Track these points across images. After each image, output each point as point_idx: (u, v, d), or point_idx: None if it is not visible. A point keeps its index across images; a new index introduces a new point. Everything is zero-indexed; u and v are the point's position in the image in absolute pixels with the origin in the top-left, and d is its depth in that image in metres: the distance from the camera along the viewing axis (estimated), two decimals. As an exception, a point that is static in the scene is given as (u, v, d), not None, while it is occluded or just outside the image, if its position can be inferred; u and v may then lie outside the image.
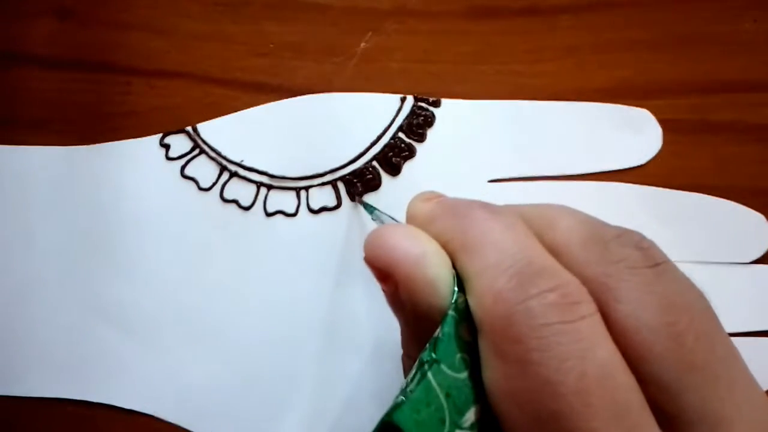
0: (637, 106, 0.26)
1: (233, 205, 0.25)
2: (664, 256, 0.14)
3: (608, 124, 0.26)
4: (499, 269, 0.13)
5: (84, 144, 0.26)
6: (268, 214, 0.25)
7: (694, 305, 0.13)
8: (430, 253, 0.14)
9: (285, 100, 0.26)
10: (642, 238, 0.14)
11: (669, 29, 0.26)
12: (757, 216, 0.25)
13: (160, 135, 0.26)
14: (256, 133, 0.26)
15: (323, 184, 0.26)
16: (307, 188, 0.25)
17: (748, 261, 0.25)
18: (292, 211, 0.25)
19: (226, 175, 0.26)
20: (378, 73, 0.26)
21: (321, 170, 0.26)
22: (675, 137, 0.26)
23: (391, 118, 0.26)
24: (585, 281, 0.13)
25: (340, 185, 0.26)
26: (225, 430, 0.24)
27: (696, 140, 0.26)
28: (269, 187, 0.25)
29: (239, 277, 0.25)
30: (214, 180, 0.26)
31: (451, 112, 0.26)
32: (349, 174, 0.26)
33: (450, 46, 0.26)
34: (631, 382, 0.12)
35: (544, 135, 0.26)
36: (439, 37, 0.26)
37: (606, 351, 0.12)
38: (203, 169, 0.26)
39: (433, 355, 0.13)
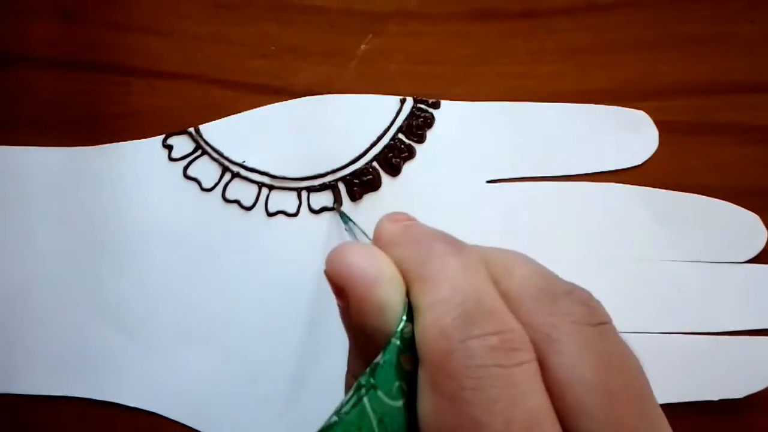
0: (636, 107, 0.26)
1: (235, 206, 0.26)
2: (608, 317, 0.14)
3: (605, 125, 0.26)
4: (449, 306, 0.13)
5: (84, 144, 0.26)
6: (270, 215, 0.26)
7: (631, 368, 0.13)
8: (384, 277, 0.14)
9: (286, 101, 0.26)
10: (590, 297, 0.14)
11: (668, 31, 0.27)
12: (751, 216, 0.26)
13: (163, 136, 0.26)
14: (257, 134, 0.26)
15: (324, 184, 0.26)
16: (308, 189, 0.26)
17: (743, 261, 0.26)
18: (293, 211, 0.26)
19: (228, 176, 0.26)
20: (378, 74, 0.26)
21: (322, 171, 0.26)
22: (674, 138, 0.26)
23: (391, 120, 0.26)
24: (530, 330, 0.13)
25: (341, 186, 0.26)
26: (226, 427, 0.25)
27: (695, 141, 0.26)
28: (270, 188, 0.26)
29: (241, 276, 0.25)
30: (216, 180, 0.26)
31: (450, 114, 0.26)
32: (350, 175, 0.26)
33: (450, 48, 0.26)
34: None
35: (542, 136, 0.26)
36: (439, 39, 0.26)
37: (537, 400, 0.12)
38: (205, 169, 0.26)
39: (371, 381, 0.13)
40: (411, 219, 0.17)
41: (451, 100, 0.26)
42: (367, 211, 0.25)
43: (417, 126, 0.26)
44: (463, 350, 0.12)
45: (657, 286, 0.25)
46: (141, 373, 0.25)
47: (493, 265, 0.15)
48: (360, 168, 0.26)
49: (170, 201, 0.25)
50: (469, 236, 0.25)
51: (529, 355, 0.13)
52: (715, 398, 0.25)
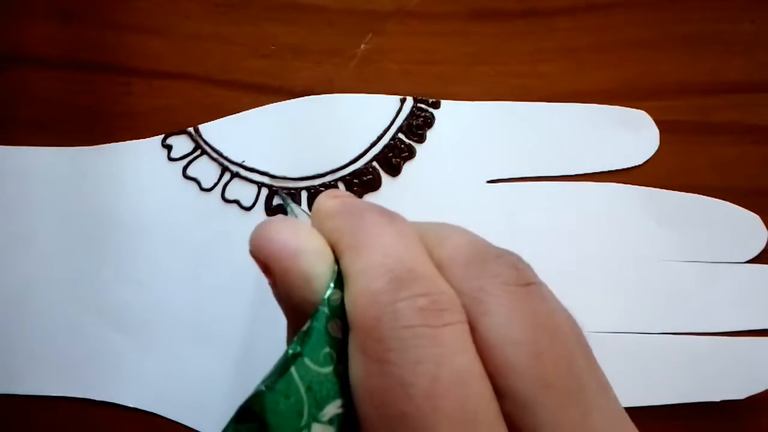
0: (636, 106, 0.26)
1: (234, 206, 0.26)
2: (538, 278, 0.14)
3: (606, 125, 0.26)
4: (379, 272, 0.13)
5: (84, 144, 0.26)
6: (270, 215, 0.26)
7: (560, 327, 0.13)
8: (306, 248, 0.14)
9: (286, 101, 0.26)
10: (519, 259, 0.14)
11: (668, 30, 0.27)
12: (752, 216, 0.26)
13: (162, 136, 0.26)
14: (257, 134, 0.26)
15: (324, 184, 0.26)
16: (308, 188, 0.26)
17: (744, 261, 0.25)
18: (292, 211, 0.26)
19: (227, 176, 0.26)
20: (378, 74, 0.26)
21: (322, 171, 0.26)
22: (674, 138, 0.26)
23: (391, 119, 0.26)
24: (460, 294, 0.13)
25: (341, 186, 0.26)
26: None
27: (695, 141, 0.26)
28: (270, 188, 0.26)
29: (240, 276, 0.25)
30: (215, 180, 0.26)
31: (450, 113, 0.26)
32: (350, 174, 0.26)
33: (450, 48, 0.26)
34: (486, 393, 0.12)
35: (542, 136, 0.26)
36: (439, 38, 0.26)
37: (465, 359, 0.12)
38: (205, 169, 0.26)
39: (298, 349, 0.13)
40: (349, 196, 0.17)
41: (451, 99, 0.26)
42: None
43: (417, 126, 0.26)
44: (390, 312, 0.12)
45: (657, 286, 0.25)
46: (141, 373, 0.25)
47: (427, 235, 0.15)
48: (360, 168, 0.26)
49: (170, 201, 0.25)
50: (469, 236, 0.25)
51: (458, 316, 0.13)
52: (716, 399, 0.24)
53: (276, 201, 0.25)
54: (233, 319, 0.25)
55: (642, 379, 0.25)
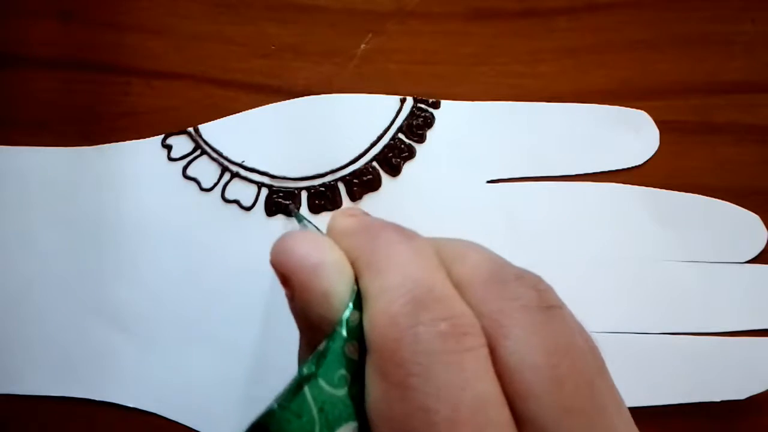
0: (636, 107, 0.26)
1: (234, 206, 0.26)
2: (560, 301, 0.14)
3: (606, 125, 0.26)
4: (398, 292, 0.13)
5: (84, 145, 0.26)
6: (269, 215, 0.26)
7: (580, 351, 0.13)
8: (327, 264, 0.14)
9: (286, 101, 0.26)
10: (540, 281, 0.14)
11: (668, 30, 0.26)
12: (752, 216, 0.26)
13: (162, 136, 0.26)
14: (257, 134, 0.26)
15: (324, 184, 0.26)
16: (308, 189, 0.26)
17: (744, 261, 0.25)
18: (292, 211, 0.26)
19: (227, 176, 0.26)
20: (378, 74, 0.26)
21: (321, 171, 0.26)
22: (674, 138, 0.26)
23: (391, 119, 0.26)
24: (480, 316, 0.13)
25: (341, 185, 0.26)
26: (226, 427, 0.25)
27: (695, 141, 0.26)
28: (270, 188, 0.26)
29: (240, 276, 0.25)
30: (215, 180, 0.26)
31: (450, 114, 0.26)
32: (350, 174, 0.26)
33: (450, 48, 0.26)
34: (506, 419, 0.12)
35: (542, 136, 0.26)
36: (439, 38, 0.26)
37: (486, 385, 0.12)
38: (205, 169, 0.26)
39: (313, 369, 0.13)
40: (365, 214, 0.17)
41: (451, 99, 0.26)
42: (368, 212, 0.25)
43: (417, 126, 0.26)
44: (411, 336, 0.12)
45: (657, 286, 0.25)
46: (141, 373, 0.25)
47: (445, 253, 0.15)
48: (360, 168, 0.26)
49: (169, 201, 0.25)
50: (469, 236, 0.25)
51: (478, 340, 0.13)
52: (717, 399, 0.24)
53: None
54: (233, 318, 0.25)
55: (642, 379, 0.25)
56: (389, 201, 0.26)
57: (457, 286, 0.14)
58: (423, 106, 0.26)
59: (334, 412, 0.13)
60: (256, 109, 0.26)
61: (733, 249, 0.26)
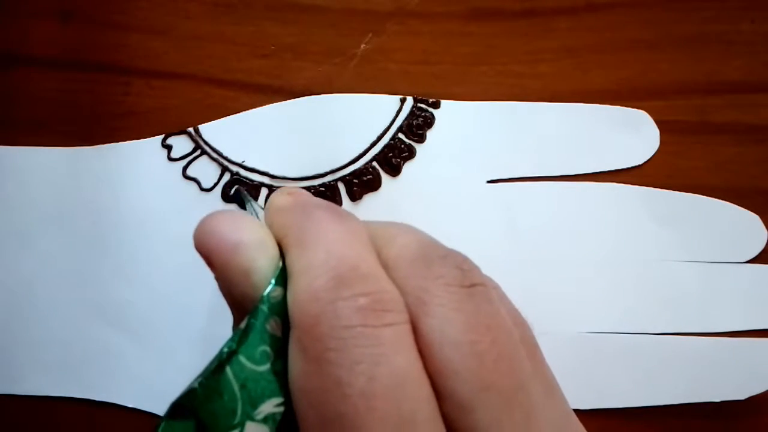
0: (636, 107, 0.26)
1: (234, 206, 0.25)
2: (484, 279, 0.14)
3: (606, 125, 0.26)
4: (322, 269, 0.13)
5: (84, 144, 0.26)
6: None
7: (503, 329, 0.13)
8: (247, 242, 0.14)
9: (286, 101, 0.26)
10: (465, 260, 0.14)
11: (668, 30, 0.26)
12: (751, 216, 0.26)
13: (162, 136, 0.26)
14: (257, 134, 0.26)
15: (324, 184, 0.26)
16: (307, 189, 0.26)
17: (744, 261, 0.25)
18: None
19: (227, 176, 0.26)
20: (378, 74, 0.26)
21: (321, 171, 0.26)
22: (674, 138, 0.26)
23: (391, 119, 0.26)
24: (404, 294, 0.13)
25: (341, 185, 0.26)
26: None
27: (695, 141, 0.26)
28: (270, 188, 0.26)
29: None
30: (215, 180, 0.26)
31: (450, 113, 0.26)
32: (350, 174, 0.26)
33: (450, 48, 0.26)
34: (425, 394, 0.12)
35: (542, 136, 0.26)
36: (439, 38, 0.26)
37: (404, 360, 0.12)
38: (205, 169, 0.26)
39: (234, 346, 0.13)
40: (304, 194, 0.16)
41: (451, 99, 0.26)
42: (367, 212, 0.25)
43: (417, 126, 0.26)
44: (331, 311, 0.12)
45: (657, 286, 0.25)
46: (141, 373, 0.25)
47: (377, 235, 0.15)
48: (360, 168, 0.26)
49: (170, 201, 0.25)
50: (469, 236, 0.25)
51: (400, 317, 0.13)
52: (717, 400, 0.24)
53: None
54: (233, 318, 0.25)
55: (642, 379, 0.25)
56: (389, 201, 0.26)
57: (385, 266, 0.14)
58: (423, 105, 0.26)
59: (257, 389, 0.13)
60: (256, 109, 0.26)
61: (733, 249, 0.26)
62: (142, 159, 0.26)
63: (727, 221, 0.26)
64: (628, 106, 0.26)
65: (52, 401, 0.25)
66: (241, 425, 0.12)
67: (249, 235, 0.14)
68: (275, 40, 0.26)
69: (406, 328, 0.13)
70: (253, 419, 0.12)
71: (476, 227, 0.26)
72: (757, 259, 0.25)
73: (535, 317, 0.25)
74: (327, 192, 0.26)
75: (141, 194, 0.25)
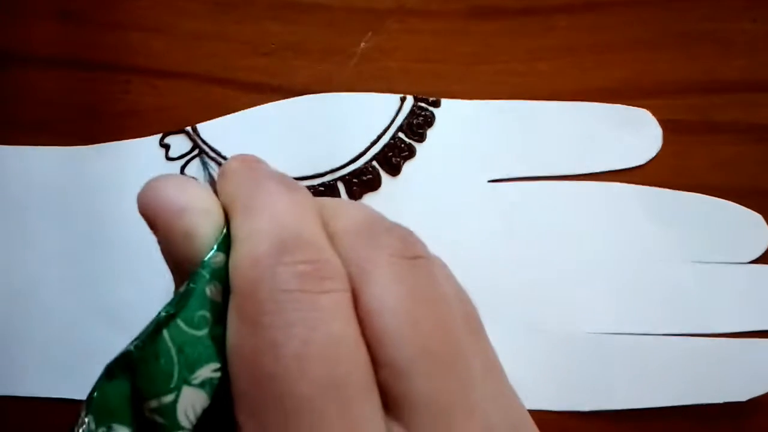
0: (636, 105, 0.26)
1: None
2: (428, 253, 0.14)
3: (608, 124, 0.26)
4: (265, 236, 0.13)
5: (84, 144, 0.26)
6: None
7: (442, 300, 0.13)
8: (192, 205, 0.14)
9: (285, 100, 0.26)
10: (410, 233, 0.14)
11: (668, 29, 0.26)
12: (755, 216, 0.25)
13: (160, 135, 0.26)
14: (256, 133, 0.26)
15: (323, 184, 0.26)
16: (307, 188, 0.26)
17: (747, 261, 0.25)
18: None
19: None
20: (378, 72, 0.26)
21: (321, 170, 0.26)
22: (675, 137, 0.26)
23: (391, 118, 0.26)
24: (347, 264, 0.13)
25: (340, 185, 0.26)
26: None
27: (696, 140, 0.26)
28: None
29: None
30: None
31: (450, 112, 0.26)
32: (349, 174, 0.26)
33: (450, 46, 0.26)
34: (360, 360, 0.12)
35: (543, 135, 0.26)
36: (439, 37, 0.26)
37: (340, 325, 0.12)
38: (203, 169, 0.26)
39: (172, 310, 0.13)
40: (257, 161, 0.16)
41: (451, 98, 0.26)
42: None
43: (417, 125, 0.26)
44: (270, 276, 0.12)
45: (659, 286, 0.25)
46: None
47: (327, 209, 0.15)
48: (360, 167, 0.26)
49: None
50: (469, 236, 0.25)
51: (339, 285, 0.13)
52: (718, 401, 0.24)
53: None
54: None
55: (643, 380, 0.25)
56: (389, 200, 0.26)
57: (332, 237, 0.14)
58: (423, 104, 0.26)
59: (194, 354, 0.13)
60: (256, 108, 0.26)
61: (736, 249, 0.25)
62: (140, 158, 0.26)
63: (729, 221, 0.25)
64: (628, 105, 0.26)
65: (54, 402, 0.25)
66: (178, 389, 0.12)
67: (194, 200, 0.14)
68: (275, 38, 0.26)
69: (346, 296, 0.13)
70: (189, 384, 0.12)
71: (476, 227, 0.26)
72: (760, 260, 0.25)
73: (536, 317, 0.25)
74: (326, 191, 0.26)
75: (140, 193, 0.25)
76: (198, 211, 0.14)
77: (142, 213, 0.14)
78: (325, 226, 0.14)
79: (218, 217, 0.14)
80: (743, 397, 0.24)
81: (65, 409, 0.25)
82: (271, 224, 0.13)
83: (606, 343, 0.25)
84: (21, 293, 0.25)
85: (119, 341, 0.25)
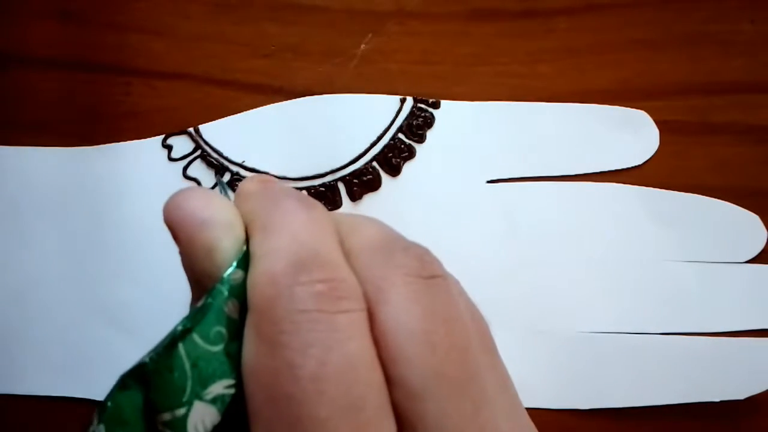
0: (636, 107, 0.26)
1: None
2: (444, 272, 0.14)
3: (606, 125, 0.26)
4: (283, 254, 0.13)
5: (84, 145, 0.26)
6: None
7: (458, 321, 0.13)
8: (214, 220, 0.14)
9: (286, 101, 0.26)
10: (426, 252, 0.14)
11: (667, 30, 0.27)
12: (751, 216, 0.26)
13: (163, 136, 0.26)
14: (257, 134, 0.26)
15: (324, 184, 0.26)
16: (307, 189, 0.26)
17: (743, 261, 0.25)
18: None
19: (227, 176, 0.26)
20: (378, 74, 0.26)
21: (321, 171, 0.26)
22: (674, 138, 0.26)
23: (391, 119, 0.26)
24: (363, 283, 0.13)
25: (341, 185, 0.26)
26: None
27: (695, 141, 0.26)
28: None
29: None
30: (216, 181, 0.26)
31: (450, 114, 0.26)
32: (350, 174, 0.26)
33: (450, 48, 0.26)
34: (376, 381, 0.12)
35: (542, 136, 0.26)
36: (439, 38, 0.26)
37: (356, 346, 0.12)
38: (205, 170, 0.26)
39: (189, 324, 0.13)
40: (274, 182, 0.16)
41: (451, 99, 0.26)
42: (368, 212, 0.25)
43: (417, 126, 0.26)
44: (287, 296, 0.12)
45: (657, 286, 0.25)
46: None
47: (343, 226, 0.15)
48: (360, 168, 0.26)
49: (170, 201, 0.25)
50: (469, 236, 0.25)
51: (357, 305, 0.13)
52: (716, 399, 0.24)
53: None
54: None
55: (642, 379, 0.25)
56: (389, 201, 0.26)
57: (348, 255, 0.14)
58: (423, 106, 0.26)
59: (208, 369, 0.13)
60: (257, 109, 0.26)
61: (733, 249, 0.26)
62: (142, 159, 0.26)
63: (726, 221, 0.26)
64: (627, 106, 0.26)
65: (53, 401, 0.25)
66: (189, 404, 0.12)
67: (218, 214, 0.14)
68: (275, 40, 0.26)
69: (362, 316, 0.13)
70: (201, 399, 0.12)
71: (476, 227, 0.26)
72: (757, 259, 0.25)
73: (536, 317, 0.25)
74: (327, 192, 0.26)
75: (141, 194, 0.25)
76: (221, 225, 0.14)
77: (166, 222, 0.14)
78: (342, 242, 0.14)
79: (240, 233, 0.14)
80: (741, 395, 0.24)
81: (64, 407, 0.25)
82: (288, 242, 0.13)
83: (604, 342, 0.25)
84: (21, 293, 0.25)
85: (118, 341, 0.25)
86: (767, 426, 0.25)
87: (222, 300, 0.13)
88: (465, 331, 0.13)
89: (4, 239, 0.26)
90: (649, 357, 0.25)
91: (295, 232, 0.13)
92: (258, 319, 0.12)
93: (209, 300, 0.13)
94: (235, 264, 0.13)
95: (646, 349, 0.25)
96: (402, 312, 0.13)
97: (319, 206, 0.15)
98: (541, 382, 0.25)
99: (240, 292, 0.13)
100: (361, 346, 0.12)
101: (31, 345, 0.25)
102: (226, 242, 0.14)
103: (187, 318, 0.13)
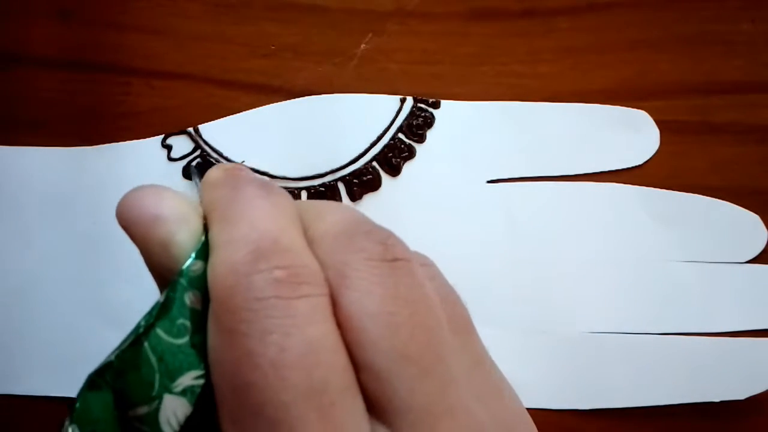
0: (636, 107, 0.26)
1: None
2: (408, 254, 0.14)
3: (606, 124, 0.26)
4: (243, 242, 0.13)
5: (84, 144, 0.26)
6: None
7: (423, 301, 0.13)
8: (167, 214, 0.14)
9: (286, 101, 0.26)
10: (390, 235, 0.14)
11: (668, 30, 0.27)
12: (752, 216, 0.26)
13: (162, 136, 0.26)
14: (257, 134, 0.26)
15: (324, 184, 0.26)
16: (308, 189, 0.26)
17: (743, 261, 0.25)
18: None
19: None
20: (378, 74, 0.26)
21: (321, 171, 0.26)
22: (674, 138, 0.26)
23: (391, 119, 0.26)
24: (326, 268, 0.13)
25: (341, 186, 0.26)
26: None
27: (695, 141, 0.26)
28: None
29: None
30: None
31: (450, 113, 0.26)
32: (350, 174, 0.26)
33: (450, 48, 0.26)
34: (340, 364, 0.12)
35: (542, 136, 0.26)
36: (439, 38, 0.26)
37: (317, 330, 0.12)
38: (205, 169, 0.26)
39: (151, 320, 0.13)
40: (239, 169, 0.16)
41: (451, 99, 0.26)
42: (367, 212, 0.25)
43: (417, 126, 0.26)
44: (245, 284, 0.12)
45: (657, 286, 0.25)
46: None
47: (307, 213, 0.15)
48: (360, 168, 0.26)
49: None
50: (469, 236, 0.25)
51: (317, 289, 0.13)
52: (716, 399, 0.24)
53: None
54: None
55: (642, 379, 0.25)
56: (389, 201, 0.26)
57: (311, 242, 0.14)
58: (423, 106, 0.26)
59: (175, 362, 0.13)
60: (256, 109, 0.26)
61: (733, 249, 0.26)
62: (142, 159, 0.26)
63: (727, 221, 0.26)
64: (628, 106, 0.26)
65: (53, 401, 0.25)
66: (159, 397, 0.12)
67: (169, 209, 0.14)
68: (275, 40, 0.26)
69: (323, 300, 0.13)
70: (171, 391, 0.13)
71: (476, 227, 0.26)
72: (757, 259, 0.25)
73: (535, 316, 0.25)
74: (327, 192, 0.26)
75: (141, 194, 0.25)
76: (173, 219, 0.14)
77: (120, 225, 0.14)
78: (306, 230, 0.14)
79: (196, 225, 0.14)
80: (741, 395, 0.24)
81: (64, 408, 0.25)
82: (248, 230, 0.13)
83: (605, 341, 0.25)
84: (21, 293, 0.25)
85: (118, 341, 0.25)
86: (767, 426, 0.25)
87: (182, 292, 0.13)
88: (430, 312, 0.13)
89: (4, 239, 0.26)
90: (650, 357, 0.25)
91: (254, 220, 0.13)
92: (218, 309, 0.12)
93: (170, 294, 0.13)
94: (193, 255, 0.13)
95: (647, 349, 0.25)
96: (364, 295, 0.13)
97: (281, 193, 0.15)
98: (541, 382, 0.25)
99: (201, 284, 0.13)
100: (322, 330, 0.12)
101: (31, 345, 0.25)
102: (180, 235, 0.14)
103: (149, 313, 0.13)
